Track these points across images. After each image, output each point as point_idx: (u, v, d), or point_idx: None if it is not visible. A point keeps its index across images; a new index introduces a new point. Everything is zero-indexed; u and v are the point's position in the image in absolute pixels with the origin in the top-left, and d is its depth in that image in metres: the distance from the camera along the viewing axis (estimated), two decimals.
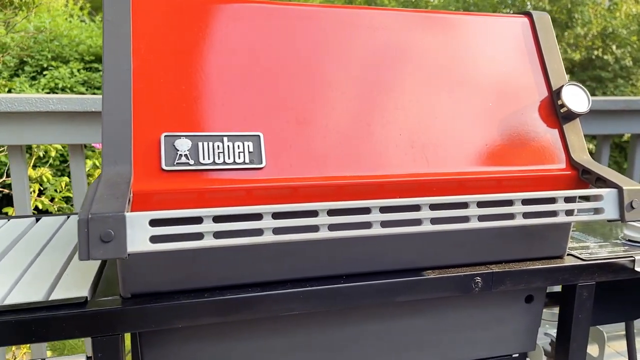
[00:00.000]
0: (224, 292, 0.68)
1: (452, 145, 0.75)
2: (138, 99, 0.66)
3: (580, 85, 0.81)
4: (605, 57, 7.30)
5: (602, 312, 1.01)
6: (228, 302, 0.67)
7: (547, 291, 0.91)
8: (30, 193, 2.25)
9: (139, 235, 0.54)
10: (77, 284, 0.70)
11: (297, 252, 0.71)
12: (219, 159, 0.65)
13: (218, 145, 0.66)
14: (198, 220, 0.57)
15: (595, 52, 7.37)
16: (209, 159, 0.65)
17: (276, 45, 0.73)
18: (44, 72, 5.87)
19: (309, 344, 0.77)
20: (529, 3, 8.02)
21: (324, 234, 0.61)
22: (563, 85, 0.80)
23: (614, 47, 7.36)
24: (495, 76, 0.82)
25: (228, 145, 0.66)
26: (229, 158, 0.66)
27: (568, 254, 0.85)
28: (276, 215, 0.60)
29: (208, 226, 0.57)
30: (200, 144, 0.65)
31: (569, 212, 0.71)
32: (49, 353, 1.90)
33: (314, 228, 0.61)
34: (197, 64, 0.69)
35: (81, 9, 9.46)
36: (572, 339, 0.84)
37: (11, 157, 1.62)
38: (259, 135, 0.68)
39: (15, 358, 1.95)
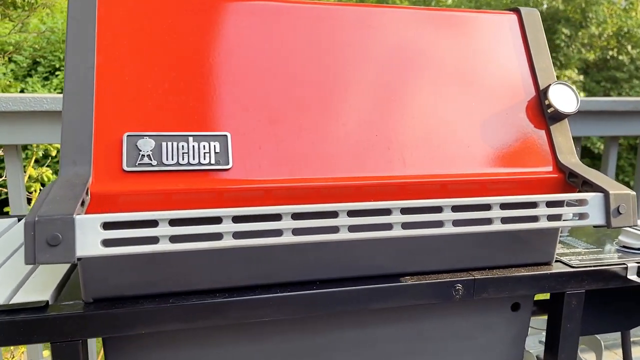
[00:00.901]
0: (190, 297, 0.66)
1: (432, 146, 0.72)
2: (101, 97, 0.64)
3: (569, 85, 0.77)
4: (621, 57, 7.18)
5: (597, 321, 0.97)
6: (194, 308, 0.65)
7: (537, 298, 0.88)
8: (32, 192, 2.26)
9: (89, 238, 0.52)
10: (41, 287, 0.68)
11: (267, 256, 0.69)
12: (183, 159, 0.63)
13: (183, 146, 0.64)
14: (153, 223, 0.55)
15: (610, 53, 7.25)
16: (172, 159, 0.63)
17: (248, 42, 0.70)
18: (57, 73, 5.93)
19: (284, 352, 0.75)
20: (544, 3, 7.92)
21: (286, 238, 0.58)
22: (550, 85, 0.77)
23: (629, 47, 7.23)
24: (479, 75, 0.78)
25: (193, 146, 0.64)
26: (193, 159, 0.63)
27: (557, 260, 0.82)
28: (237, 219, 0.57)
29: (163, 230, 0.55)
30: (164, 144, 0.63)
31: (551, 218, 0.67)
32: (45, 353, 1.90)
33: (277, 232, 0.59)
34: (163, 62, 0.67)
35: None
36: (560, 349, 0.81)
37: (6, 157, 1.61)
38: (226, 135, 0.65)
39: (14, 357, 1.96)
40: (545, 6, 7.49)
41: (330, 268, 0.72)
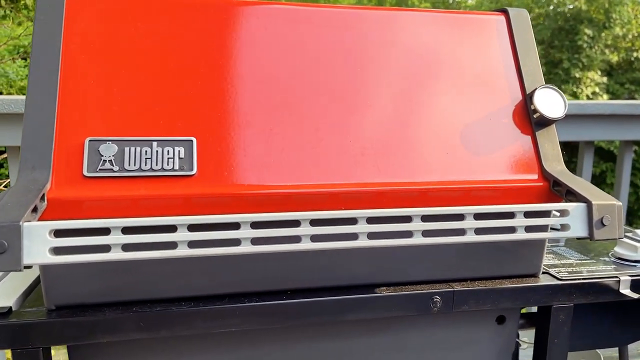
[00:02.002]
0: (154, 306, 0.64)
1: (409, 153, 0.69)
2: (64, 101, 0.63)
3: (556, 89, 0.74)
4: None
5: (593, 335, 0.93)
6: (157, 317, 0.64)
7: (526, 311, 0.84)
8: None
9: (37, 246, 0.51)
10: (8, 293, 0.67)
11: (236, 265, 0.67)
12: (146, 165, 0.62)
13: (146, 151, 0.62)
14: (105, 231, 0.54)
15: (635, 54, 7.07)
16: (135, 165, 0.61)
17: (217, 45, 0.69)
18: None
19: None
20: (567, 3, 7.76)
21: (244, 248, 0.56)
22: (536, 89, 0.74)
23: None
24: (462, 78, 0.75)
25: (157, 151, 0.63)
26: (157, 164, 0.62)
27: (544, 272, 0.78)
28: (193, 227, 0.56)
29: (116, 238, 0.53)
30: (127, 149, 0.62)
31: (530, 229, 0.64)
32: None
33: (236, 242, 0.57)
34: (130, 66, 0.66)
35: None
36: None
37: (10, 158, 1.63)
38: (191, 140, 0.64)
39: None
40: (568, 7, 7.34)
41: (303, 277, 0.69)
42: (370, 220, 0.60)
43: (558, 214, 0.65)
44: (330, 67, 0.71)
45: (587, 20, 6.94)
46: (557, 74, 7.29)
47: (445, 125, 0.72)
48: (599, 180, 7.11)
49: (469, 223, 0.62)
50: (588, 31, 6.91)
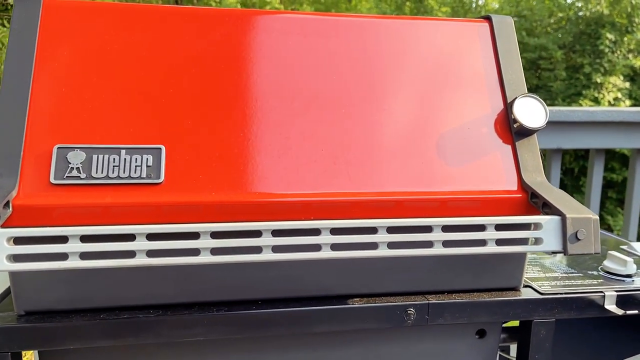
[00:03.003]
0: (121, 313, 0.64)
1: (383, 162, 0.68)
2: (35, 109, 0.63)
3: (537, 98, 0.72)
4: None
5: (592, 350, 0.91)
6: (124, 324, 0.64)
7: (508, 325, 0.82)
8: None
9: None
10: None
11: (206, 274, 0.66)
12: (113, 172, 0.62)
13: (114, 159, 0.62)
14: (63, 239, 0.54)
15: None
16: (102, 172, 0.62)
17: (188, 54, 0.69)
18: None
19: None
20: (588, 7, 7.63)
21: (204, 258, 0.56)
22: (516, 98, 0.72)
23: None
24: (442, 86, 0.74)
25: (125, 159, 0.63)
26: (124, 172, 0.62)
27: (526, 286, 0.76)
28: (151, 237, 0.55)
29: (74, 246, 0.54)
30: (95, 156, 0.62)
31: (501, 242, 0.62)
32: None
33: (195, 252, 0.56)
34: (102, 75, 0.66)
35: None
36: None
37: None
38: (160, 148, 0.64)
39: None
40: (589, 10, 7.21)
41: (274, 288, 0.69)
42: (334, 231, 0.59)
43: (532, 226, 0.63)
44: (305, 75, 0.71)
45: (609, 25, 6.80)
46: (578, 79, 7.16)
47: (423, 134, 0.71)
48: (621, 187, 6.95)
49: (437, 235, 0.61)
50: (610, 35, 6.78)
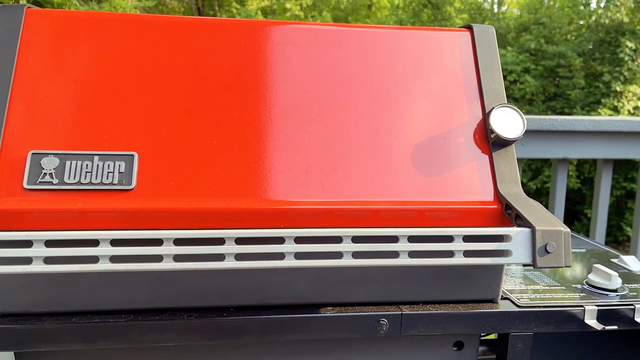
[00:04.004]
0: (92, 317, 0.65)
1: (358, 171, 0.68)
2: (13, 116, 0.65)
3: (515, 108, 0.71)
4: None
5: None
6: (95, 328, 0.64)
7: (488, 337, 0.81)
8: None
9: None
10: None
11: (178, 280, 0.67)
12: (85, 178, 0.63)
13: (87, 165, 0.63)
14: (28, 244, 0.55)
15: None
16: (74, 178, 0.63)
17: (164, 63, 0.69)
18: None
19: None
20: (608, 15, 7.51)
21: (166, 265, 0.56)
22: (493, 108, 0.71)
23: None
24: (421, 96, 0.74)
25: (98, 165, 0.64)
26: (96, 178, 0.63)
27: (505, 298, 0.75)
28: (115, 242, 0.56)
29: (37, 250, 0.55)
30: (68, 162, 0.63)
31: (469, 253, 0.62)
32: None
33: (158, 258, 0.57)
34: (79, 83, 0.67)
35: None
36: None
37: None
38: (132, 155, 0.65)
39: None
40: (609, 18, 7.09)
41: (247, 295, 0.69)
42: (298, 239, 0.59)
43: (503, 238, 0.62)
44: (280, 82, 0.71)
45: (629, 32, 6.68)
46: (597, 87, 7.05)
47: (399, 144, 0.71)
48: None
49: (403, 246, 0.60)
50: (630, 44, 6.65)
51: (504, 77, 7.33)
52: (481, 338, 0.78)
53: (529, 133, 1.82)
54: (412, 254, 0.60)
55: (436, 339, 0.76)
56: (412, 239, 0.61)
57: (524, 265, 0.62)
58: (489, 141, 0.72)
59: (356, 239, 0.60)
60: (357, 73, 0.73)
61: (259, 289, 0.69)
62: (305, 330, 0.68)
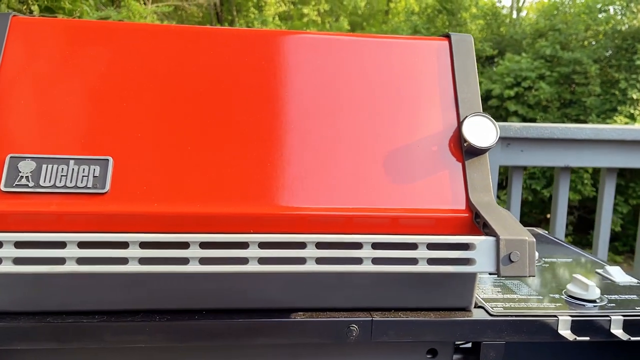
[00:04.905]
0: (66, 317, 0.67)
1: (330, 178, 0.69)
2: None
3: (489, 117, 0.72)
4: None
5: None
6: (68, 328, 0.66)
7: (464, 345, 0.81)
8: None
9: None
10: None
11: (152, 282, 0.68)
12: (60, 182, 0.65)
13: (63, 168, 0.65)
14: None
15: None
16: (49, 182, 0.64)
17: (142, 69, 0.71)
18: None
19: None
20: (624, 21, 7.40)
21: (132, 267, 0.58)
22: (466, 117, 0.72)
23: None
24: (397, 105, 0.74)
25: (73, 169, 0.65)
26: (71, 182, 0.65)
27: (479, 306, 0.75)
28: (82, 245, 0.58)
29: (6, 252, 0.56)
30: (44, 166, 0.65)
31: (433, 261, 0.62)
32: None
33: (123, 260, 0.58)
34: (59, 89, 0.69)
35: None
36: None
37: None
38: (107, 160, 0.66)
39: None
40: (625, 25, 6.99)
41: (220, 298, 0.70)
42: (262, 245, 0.60)
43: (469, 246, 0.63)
44: (257, 92, 0.72)
45: None
46: (613, 95, 6.96)
47: (373, 152, 0.71)
48: None
49: (366, 252, 0.61)
50: None
51: (518, 84, 7.26)
52: (456, 346, 0.78)
53: (530, 141, 1.81)
54: (376, 261, 0.61)
55: (410, 346, 0.76)
56: (376, 245, 0.61)
57: (490, 274, 0.62)
58: (462, 150, 0.72)
59: (320, 245, 0.60)
60: (333, 81, 0.74)
61: (231, 292, 0.70)
62: (275, 335, 0.69)
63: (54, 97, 0.69)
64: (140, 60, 0.72)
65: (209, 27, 0.75)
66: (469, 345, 0.78)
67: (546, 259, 1.01)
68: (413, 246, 0.62)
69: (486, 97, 7.66)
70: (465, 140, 0.71)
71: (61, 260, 0.57)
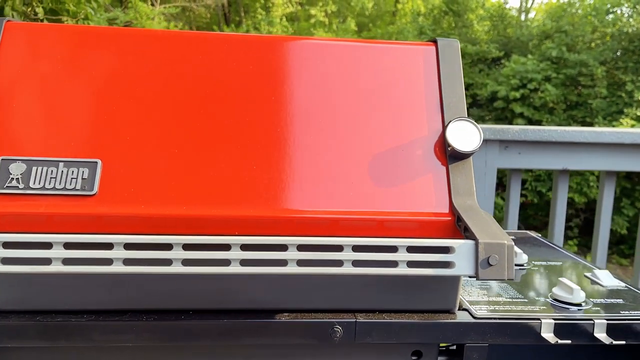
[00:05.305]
0: (55, 316, 0.68)
1: (315, 182, 0.70)
2: None
3: (472, 121, 0.72)
4: None
5: None
6: (57, 327, 0.67)
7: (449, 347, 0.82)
8: None
9: None
10: None
11: (137, 282, 0.70)
12: (49, 184, 0.66)
13: (52, 171, 0.67)
14: None
15: None
16: (39, 183, 0.66)
17: (132, 73, 0.73)
18: None
19: None
20: (631, 23, 7.35)
21: (116, 268, 0.59)
22: (450, 121, 0.73)
23: None
24: (383, 110, 0.75)
25: (63, 171, 0.67)
26: (60, 184, 0.66)
27: (463, 309, 0.76)
28: (68, 245, 0.59)
29: None
30: (34, 168, 0.67)
31: (413, 264, 0.63)
32: None
33: (108, 261, 0.60)
34: (50, 92, 0.71)
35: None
36: None
37: None
38: (96, 162, 0.68)
39: None
40: (632, 27, 6.95)
41: (206, 299, 0.71)
42: (244, 247, 0.61)
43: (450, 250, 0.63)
44: (243, 96, 0.73)
45: None
46: (620, 97, 6.92)
47: (359, 156, 0.73)
48: None
49: (347, 255, 0.62)
50: None
51: (524, 85, 7.23)
52: (441, 348, 0.79)
53: (528, 143, 1.81)
54: (356, 263, 0.62)
55: (395, 348, 0.77)
56: (356, 248, 0.62)
57: (470, 277, 0.63)
58: (447, 154, 0.73)
59: (301, 248, 0.61)
60: (319, 85, 0.75)
61: (217, 293, 0.71)
62: (259, 335, 0.70)
63: (46, 100, 0.71)
64: (130, 64, 0.73)
65: (195, 32, 0.77)
66: (455, 347, 0.79)
67: (536, 262, 1.01)
68: (393, 249, 0.63)
69: (492, 98, 7.64)
70: (449, 145, 0.72)
71: (47, 261, 0.59)
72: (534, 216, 7.16)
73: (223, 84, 0.74)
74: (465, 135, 0.72)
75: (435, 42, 0.80)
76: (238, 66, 0.75)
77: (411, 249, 0.63)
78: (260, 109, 0.73)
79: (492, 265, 0.61)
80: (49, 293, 0.69)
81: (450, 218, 0.70)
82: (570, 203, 6.66)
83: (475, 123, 0.73)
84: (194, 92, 0.73)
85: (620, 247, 6.83)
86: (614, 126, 6.56)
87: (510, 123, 7.42)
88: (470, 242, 0.62)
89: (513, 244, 0.62)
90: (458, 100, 0.76)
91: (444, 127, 0.75)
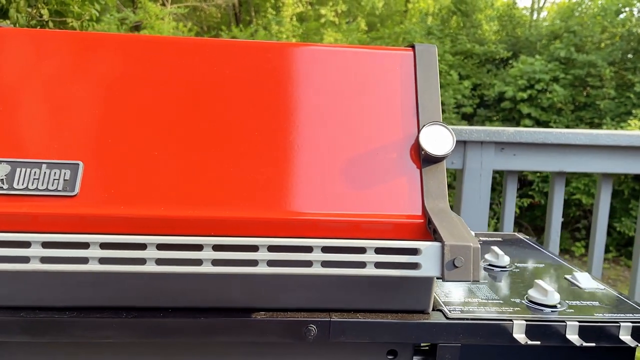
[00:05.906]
0: (39, 313, 0.71)
1: (290, 184, 0.72)
2: None
3: (445, 126, 0.74)
4: None
5: None
6: (40, 323, 0.70)
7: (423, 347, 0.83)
8: None
9: None
10: None
11: (118, 280, 0.72)
12: (32, 185, 0.69)
13: (35, 172, 0.69)
14: None
15: None
16: (22, 184, 0.68)
17: (115, 76, 0.75)
18: None
19: None
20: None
21: (92, 267, 0.61)
22: (423, 126, 0.74)
23: None
24: (359, 114, 0.77)
25: (45, 172, 0.69)
26: (42, 185, 0.69)
27: (438, 309, 0.78)
28: (46, 245, 0.62)
29: None
30: (18, 169, 0.69)
31: (381, 265, 0.64)
32: None
33: (84, 260, 0.62)
34: (36, 95, 0.73)
35: (190, 30, 10.20)
36: None
37: None
38: (78, 164, 0.70)
39: None
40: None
41: (184, 297, 0.73)
42: (216, 247, 0.63)
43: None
44: (221, 100, 0.75)
45: None
46: (628, 98, 6.86)
47: (333, 159, 0.74)
48: None
49: (316, 256, 0.64)
50: None
51: (531, 86, 7.17)
52: (417, 347, 0.80)
53: (523, 145, 1.82)
54: (325, 264, 0.64)
55: (370, 347, 0.79)
56: (325, 249, 0.64)
57: (437, 278, 0.65)
58: (420, 158, 0.75)
59: (272, 248, 0.63)
60: (297, 89, 0.77)
61: (195, 292, 0.73)
62: (235, 333, 0.72)
63: (30, 103, 0.73)
64: (114, 68, 0.75)
65: (178, 37, 0.79)
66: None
67: (518, 264, 1.02)
68: (362, 250, 0.65)
69: (499, 99, 7.60)
70: (422, 149, 0.73)
71: (26, 259, 0.61)
72: (542, 217, 7.12)
73: (204, 89, 0.76)
74: (439, 139, 0.73)
75: (413, 47, 0.82)
76: (215, 71, 0.77)
77: (379, 250, 0.65)
78: (235, 113, 0.75)
79: (457, 267, 0.63)
80: (33, 290, 0.72)
81: (422, 220, 0.72)
82: (578, 205, 6.62)
83: (448, 127, 0.74)
84: (176, 97, 0.75)
85: (628, 249, 6.77)
86: (622, 127, 6.50)
87: (518, 124, 7.39)
88: (437, 244, 0.64)
89: (479, 246, 0.64)
90: (433, 105, 0.78)
91: (419, 131, 0.76)
